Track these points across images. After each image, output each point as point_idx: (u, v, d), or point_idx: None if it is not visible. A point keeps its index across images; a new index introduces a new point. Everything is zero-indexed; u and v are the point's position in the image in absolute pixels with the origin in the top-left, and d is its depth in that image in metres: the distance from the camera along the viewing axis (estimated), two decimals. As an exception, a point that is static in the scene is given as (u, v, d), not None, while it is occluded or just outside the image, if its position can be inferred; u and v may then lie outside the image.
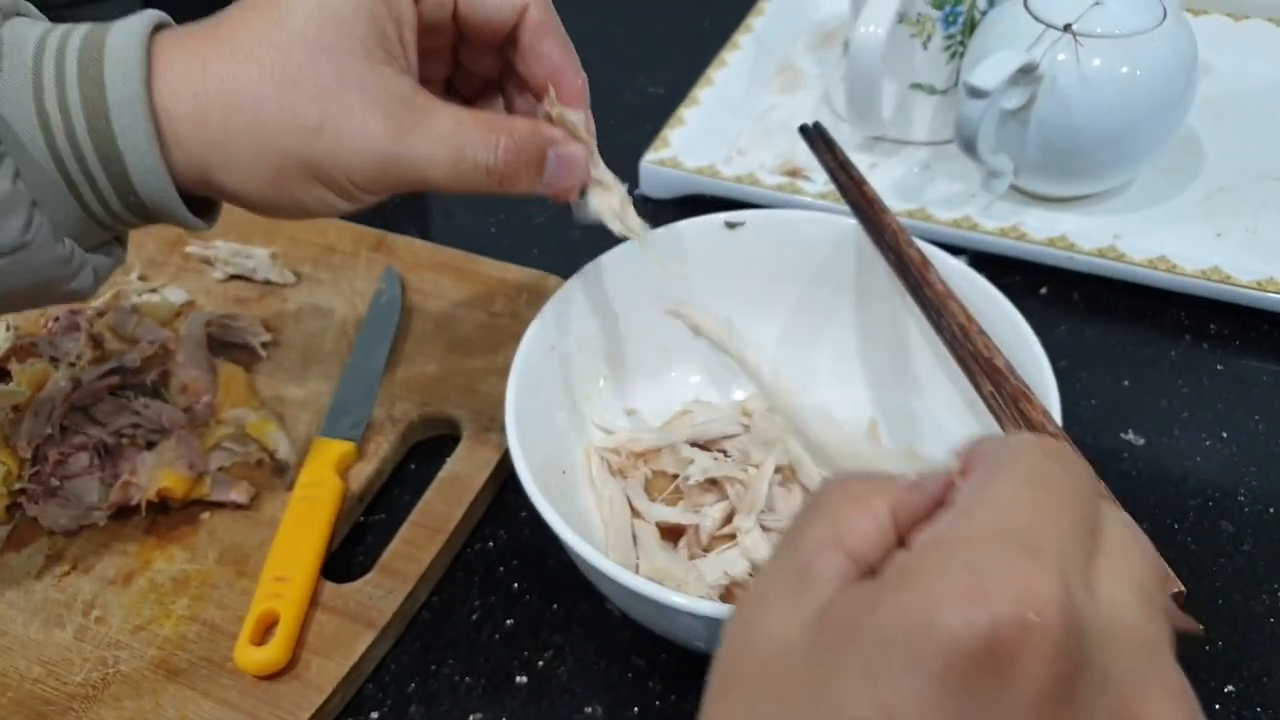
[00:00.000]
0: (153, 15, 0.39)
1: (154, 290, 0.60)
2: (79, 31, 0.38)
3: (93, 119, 0.37)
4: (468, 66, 0.46)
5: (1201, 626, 0.26)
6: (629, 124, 0.73)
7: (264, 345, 0.57)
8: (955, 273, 0.47)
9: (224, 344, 0.57)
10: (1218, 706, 0.43)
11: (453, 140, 0.39)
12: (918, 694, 0.21)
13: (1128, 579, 0.24)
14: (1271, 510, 0.49)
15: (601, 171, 0.45)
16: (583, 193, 0.45)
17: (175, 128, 0.38)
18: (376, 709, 0.46)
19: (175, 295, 0.60)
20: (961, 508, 0.24)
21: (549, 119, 0.43)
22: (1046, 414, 0.40)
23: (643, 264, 0.49)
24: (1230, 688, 0.44)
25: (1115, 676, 0.22)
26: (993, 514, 0.23)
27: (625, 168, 0.69)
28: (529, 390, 0.45)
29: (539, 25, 0.42)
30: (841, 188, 0.51)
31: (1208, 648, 0.45)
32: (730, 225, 0.50)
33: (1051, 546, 0.22)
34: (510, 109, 0.47)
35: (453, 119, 0.39)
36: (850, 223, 0.50)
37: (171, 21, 0.41)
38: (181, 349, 0.55)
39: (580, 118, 0.43)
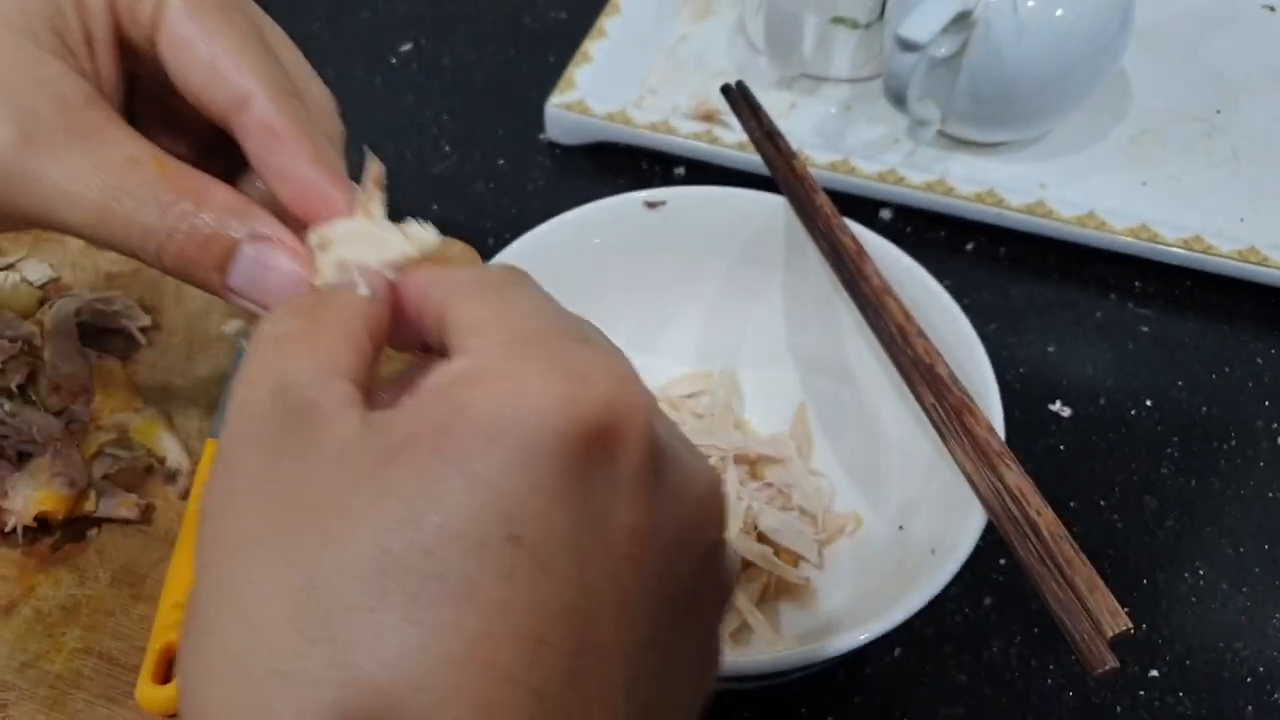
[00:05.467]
0: None
1: (11, 266, 0.54)
2: None
3: None
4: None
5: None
6: (529, 55, 0.67)
7: (143, 330, 0.52)
8: (892, 261, 0.44)
9: (98, 330, 0.52)
10: (1142, 693, 0.44)
11: (112, 181, 0.28)
12: (538, 490, 0.20)
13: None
14: (1193, 483, 0.49)
15: None
16: None
17: None
18: (295, 735, 0.43)
19: (37, 272, 0.54)
20: (499, 313, 0.23)
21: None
22: (991, 429, 0.39)
23: (553, 251, 0.46)
24: (1154, 672, 0.44)
25: (670, 448, 0.23)
26: (534, 315, 0.23)
27: (527, 107, 0.64)
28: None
29: (266, 132, 0.29)
30: (769, 163, 0.47)
31: (1132, 632, 0.45)
32: (650, 205, 0.47)
33: (605, 338, 0.24)
34: None
35: (127, 154, 0.28)
36: (777, 199, 0.47)
37: None
38: (50, 344, 0.50)
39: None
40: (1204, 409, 0.52)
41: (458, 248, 0.55)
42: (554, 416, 0.20)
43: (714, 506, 0.24)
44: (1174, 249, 0.54)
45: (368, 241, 0.28)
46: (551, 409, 0.20)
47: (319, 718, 0.19)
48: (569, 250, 0.47)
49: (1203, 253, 0.54)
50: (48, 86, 0.28)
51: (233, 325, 0.33)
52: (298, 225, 0.29)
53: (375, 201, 0.29)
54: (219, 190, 0.29)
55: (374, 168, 0.29)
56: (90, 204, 0.28)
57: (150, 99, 0.32)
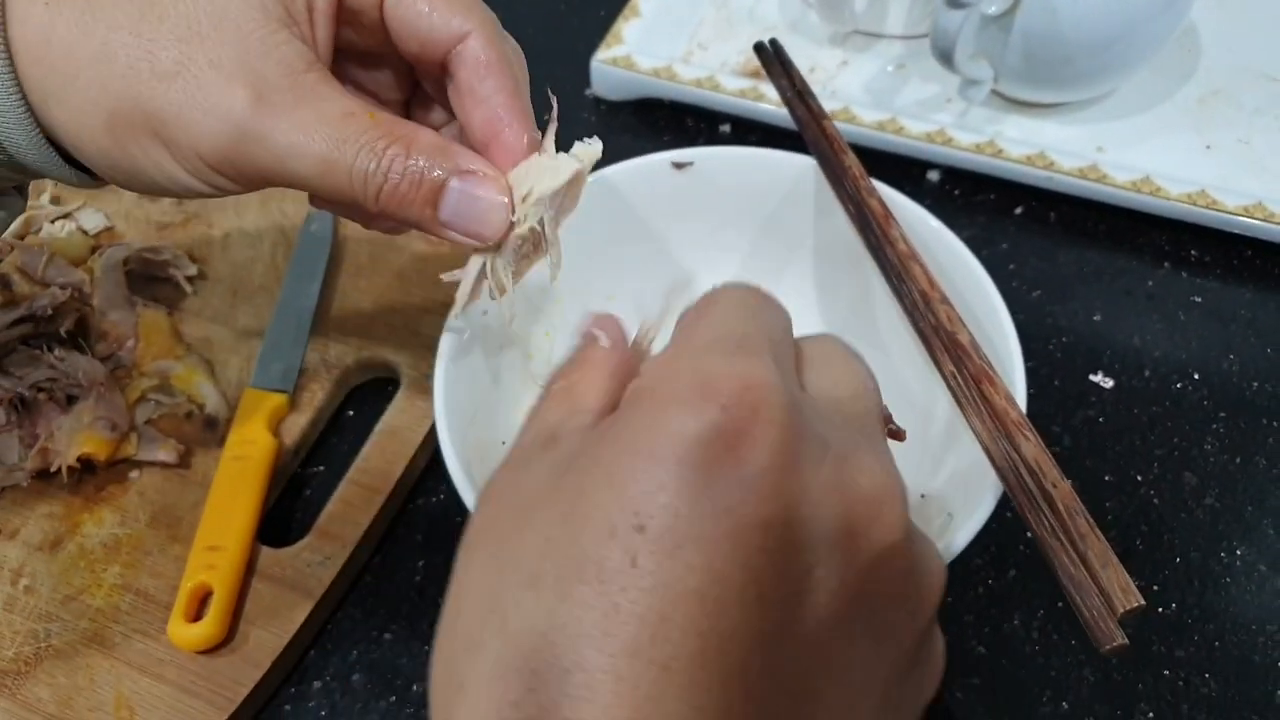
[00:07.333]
0: None
1: (67, 215, 0.56)
2: None
3: None
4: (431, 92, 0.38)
5: (905, 432, 0.30)
6: (578, 8, 0.67)
7: (189, 279, 0.54)
8: (920, 223, 0.43)
9: (146, 279, 0.54)
10: (1166, 672, 0.43)
11: (333, 133, 0.31)
12: (661, 487, 0.22)
13: (833, 380, 0.27)
14: (1237, 460, 0.48)
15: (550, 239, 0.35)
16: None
17: (20, 45, 0.32)
18: (319, 678, 0.45)
19: (91, 220, 0.56)
20: (679, 334, 0.26)
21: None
22: (1010, 398, 0.37)
23: (580, 211, 0.45)
24: (1180, 652, 0.43)
25: (833, 444, 0.24)
26: (707, 330, 0.25)
27: (575, 61, 0.64)
28: (461, 372, 0.42)
29: (478, 62, 0.34)
30: (799, 122, 0.46)
31: (1160, 609, 0.44)
32: (678, 165, 0.46)
33: (764, 344, 0.25)
34: None
35: (342, 109, 0.32)
36: (807, 160, 0.46)
37: None
38: (99, 291, 0.51)
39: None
40: (1254, 384, 0.50)
41: None
42: (677, 424, 0.22)
43: (884, 507, 0.24)
44: (1234, 216, 0.52)
45: (546, 172, 0.32)
46: (675, 418, 0.22)
47: (487, 680, 0.22)
48: (596, 210, 0.46)
49: (1263, 220, 0.52)
50: (275, 53, 0.31)
51: (450, 275, 0.37)
52: None
53: (549, 136, 0.33)
54: (425, 134, 0.33)
55: (551, 108, 0.33)
56: (315, 155, 0.31)
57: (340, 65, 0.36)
